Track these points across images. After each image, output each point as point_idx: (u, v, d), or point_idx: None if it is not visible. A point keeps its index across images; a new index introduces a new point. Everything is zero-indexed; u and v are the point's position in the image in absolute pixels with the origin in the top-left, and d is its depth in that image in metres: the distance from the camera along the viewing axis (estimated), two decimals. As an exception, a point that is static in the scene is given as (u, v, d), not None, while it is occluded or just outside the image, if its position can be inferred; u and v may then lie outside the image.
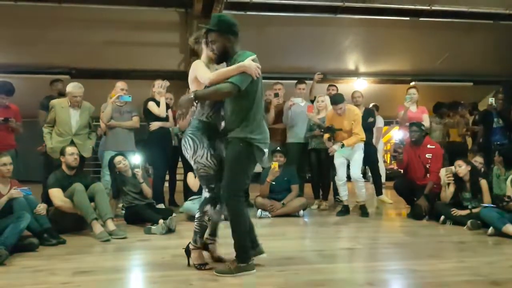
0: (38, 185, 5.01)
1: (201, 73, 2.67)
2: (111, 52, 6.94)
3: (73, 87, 4.69)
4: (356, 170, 4.96)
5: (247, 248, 2.73)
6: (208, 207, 2.78)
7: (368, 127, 5.38)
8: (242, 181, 2.71)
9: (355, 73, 9.07)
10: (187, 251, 2.87)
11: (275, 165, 4.81)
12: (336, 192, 5.87)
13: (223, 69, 2.65)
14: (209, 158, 2.71)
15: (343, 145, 4.81)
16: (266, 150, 2.74)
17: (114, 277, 2.76)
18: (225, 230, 2.93)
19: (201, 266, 2.81)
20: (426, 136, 5.13)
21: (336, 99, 4.91)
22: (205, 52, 2.78)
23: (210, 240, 2.98)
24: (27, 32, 6.79)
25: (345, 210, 5.08)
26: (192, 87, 2.77)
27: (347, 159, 5.03)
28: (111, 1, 6.05)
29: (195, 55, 7.70)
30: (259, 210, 4.90)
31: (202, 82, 2.69)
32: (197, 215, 2.82)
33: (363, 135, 4.92)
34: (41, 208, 3.68)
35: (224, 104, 2.73)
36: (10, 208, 3.44)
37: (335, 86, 6.20)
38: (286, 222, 4.64)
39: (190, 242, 2.86)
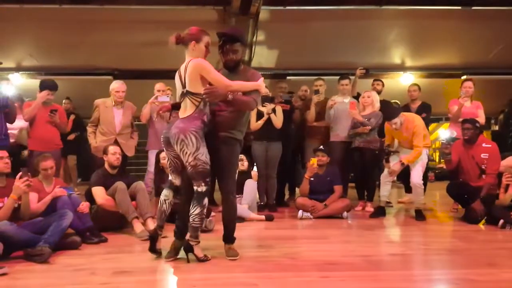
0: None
1: (219, 77, 2.89)
2: (151, 53, 6.98)
3: (116, 83, 4.83)
4: (417, 175, 4.61)
5: (234, 232, 3.17)
6: (205, 201, 2.95)
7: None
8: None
9: (401, 67, 8.65)
10: (188, 248, 2.98)
11: (313, 161, 4.68)
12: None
13: (243, 83, 2.97)
14: (207, 155, 2.90)
15: (403, 164, 4.55)
16: None
17: (153, 278, 2.74)
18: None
19: (205, 258, 3.00)
20: (480, 134, 4.76)
21: (390, 114, 4.55)
22: (191, 54, 2.92)
23: (160, 233, 3.11)
24: (72, 34, 6.98)
25: (379, 212, 4.81)
26: (194, 85, 2.87)
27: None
28: (150, 2, 6.10)
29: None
30: (300, 211, 4.74)
31: (215, 84, 2.87)
32: (197, 211, 2.91)
33: (422, 145, 4.55)
34: (84, 206, 3.73)
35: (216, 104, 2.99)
36: (54, 207, 3.51)
37: (380, 81, 5.92)
38: (328, 224, 4.46)
39: (189, 240, 2.98)
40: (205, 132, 2.91)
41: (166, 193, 3.07)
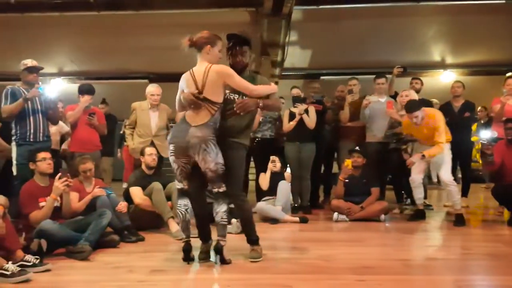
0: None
1: (243, 82, 2.88)
2: (185, 56, 7.09)
3: (151, 86, 4.94)
4: (446, 173, 4.41)
5: (256, 231, 3.14)
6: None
7: (463, 123, 4.88)
8: None
9: (441, 65, 8.36)
10: (219, 249, 2.93)
11: (348, 162, 4.61)
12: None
13: (263, 86, 2.99)
14: (222, 157, 2.90)
15: (423, 156, 4.36)
16: None
17: (188, 277, 2.77)
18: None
19: (229, 261, 2.96)
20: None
21: (411, 107, 4.36)
22: (205, 58, 2.89)
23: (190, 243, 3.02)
24: (109, 40, 7.22)
25: (418, 215, 4.65)
26: (216, 94, 2.83)
27: (429, 161, 4.51)
28: (184, 6, 6.20)
29: (266, 54, 7.57)
30: (335, 213, 4.66)
31: (239, 89, 2.90)
32: (224, 209, 2.93)
33: (445, 140, 4.39)
34: (122, 206, 3.84)
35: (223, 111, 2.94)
36: (94, 206, 3.62)
37: (419, 79, 5.73)
38: (365, 227, 4.35)
39: (219, 240, 2.94)
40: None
41: (184, 203, 2.97)
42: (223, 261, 2.95)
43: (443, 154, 4.41)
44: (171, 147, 2.89)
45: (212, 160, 2.82)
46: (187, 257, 2.96)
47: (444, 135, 4.37)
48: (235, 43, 3.00)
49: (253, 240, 3.10)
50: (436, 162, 4.50)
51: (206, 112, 2.83)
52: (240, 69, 3.01)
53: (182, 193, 2.99)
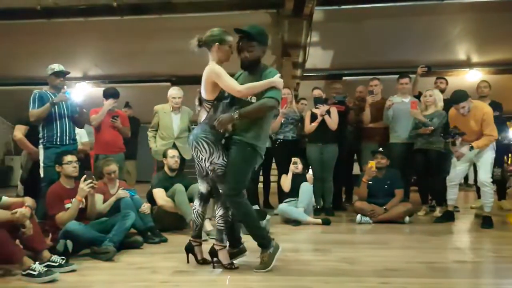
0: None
1: (230, 83, 2.74)
2: (207, 58, 7.15)
3: (173, 89, 4.99)
4: (485, 173, 4.24)
5: (264, 235, 2.90)
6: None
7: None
8: (245, 181, 2.87)
9: (467, 64, 8.14)
10: (213, 253, 2.90)
11: (372, 164, 4.54)
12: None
13: (254, 84, 2.77)
14: (224, 158, 2.82)
15: (472, 148, 4.20)
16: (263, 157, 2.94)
17: (210, 278, 2.77)
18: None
19: (231, 265, 2.88)
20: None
21: (458, 97, 4.20)
22: (215, 56, 2.82)
23: (196, 243, 2.99)
24: (132, 44, 7.36)
25: (447, 217, 4.53)
26: (206, 91, 2.79)
27: (472, 161, 4.39)
28: (205, 9, 6.25)
29: (287, 55, 7.53)
30: (359, 215, 4.60)
31: (227, 91, 2.78)
32: (220, 213, 2.89)
33: (496, 135, 4.23)
34: (146, 207, 3.89)
35: (232, 106, 2.84)
36: (117, 207, 3.68)
37: (444, 79, 5.60)
38: (389, 229, 4.28)
39: (214, 244, 2.91)
40: (219, 136, 2.83)
41: (194, 202, 3.01)
42: (224, 266, 2.87)
43: (486, 153, 4.25)
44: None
45: (205, 158, 2.80)
46: (194, 257, 2.94)
47: (494, 128, 4.20)
48: (241, 38, 2.86)
49: (261, 244, 2.87)
50: (479, 161, 4.32)
51: (203, 111, 2.86)
52: (247, 65, 2.87)
53: (199, 194, 3.02)
